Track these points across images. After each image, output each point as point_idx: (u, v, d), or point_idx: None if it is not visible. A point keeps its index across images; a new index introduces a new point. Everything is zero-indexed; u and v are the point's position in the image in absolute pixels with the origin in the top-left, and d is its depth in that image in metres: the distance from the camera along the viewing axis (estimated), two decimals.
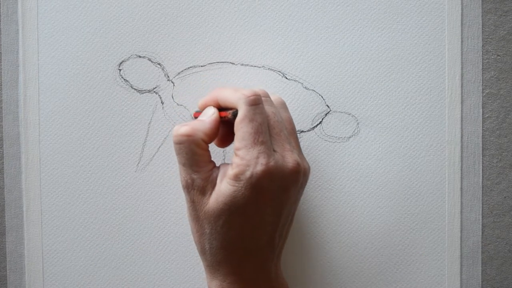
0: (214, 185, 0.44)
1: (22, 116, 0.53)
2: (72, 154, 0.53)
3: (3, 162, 0.53)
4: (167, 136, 0.52)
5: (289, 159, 0.44)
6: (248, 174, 0.42)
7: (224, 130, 0.47)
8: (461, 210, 0.53)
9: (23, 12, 0.52)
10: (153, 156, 0.53)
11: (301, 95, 0.53)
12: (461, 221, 0.53)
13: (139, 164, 0.53)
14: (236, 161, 0.42)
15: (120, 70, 0.52)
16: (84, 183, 0.53)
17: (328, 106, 0.53)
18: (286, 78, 0.53)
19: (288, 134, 0.45)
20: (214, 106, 0.46)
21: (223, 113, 0.45)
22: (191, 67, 0.52)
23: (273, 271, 0.45)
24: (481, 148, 0.53)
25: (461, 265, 0.53)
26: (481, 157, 0.53)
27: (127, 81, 0.52)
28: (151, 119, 0.53)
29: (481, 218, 0.53)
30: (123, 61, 0.52)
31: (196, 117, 0.48)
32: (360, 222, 0.53)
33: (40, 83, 0.52)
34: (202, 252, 0.45)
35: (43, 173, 0.53)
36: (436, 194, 0.53)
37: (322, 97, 0.53)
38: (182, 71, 0.52)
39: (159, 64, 0.52)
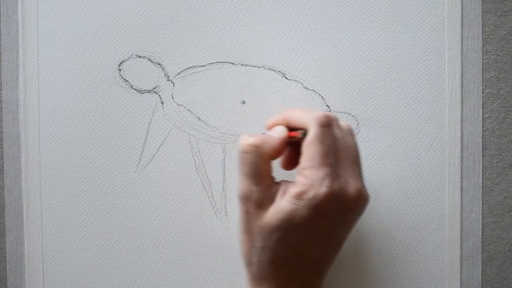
0: (272, 200, 0.43)
1: (22, 116, 0.53)
2: (72, 154, 0.53)
3: (3, 162, 0.53)
4: (167, 136, 0.52)
5: (352, 185, 0.43)
6: (311, 194, 0.42)
7: (291, 152, 0.47)
8: (461, 210, 0.53)
9: (23, 12, 0.52)
10: (153, 156, 0.53)
11: (301, 95, 0.53)
12: (461, 221, 0.53)
13: (139, 164, 0.53)
14: (301, 180, 0.42)
15: (120, 70, 0.52)
16: (84, 183, 0.53)
17: (328, 106, 0.53)
18: (286, 78, 0.53)
19: (353, 161, 0.45)
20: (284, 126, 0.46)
21: (293, 133, 0.45)
22: (191, 67, 0.52)
23: None
24: (481, 148, 0.53)
25: (461, 265, 0.53)
26: (481, 157, 0.53)
27: (127, 81, 0.52)
28: (151, 119, 0.53)
29: (481, 218, 0.53)
30: (123, 61, 0.52)
31: None
32: (360, 223, 0.53)
33: (40, 83, 0.52)
34: (249, 264, 0.45)
35: (43, 173, 0.53)
36: (436, 194, 0.53)
37: (322, 97, 0.53)
38: (182, 71, 0.52)
39: (159, 64, 0.52)
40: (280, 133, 0.45)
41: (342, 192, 0.43)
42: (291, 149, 0.47)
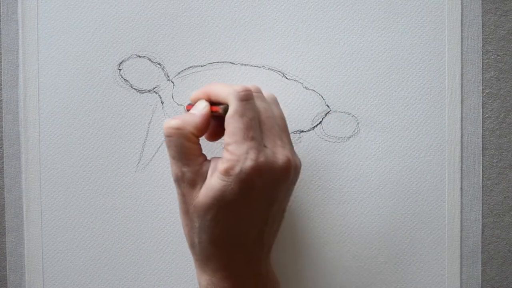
0: (204, 178, 0.43)
1: (22, 116, 0.53)
2: (72, 154, 0.53)
3: (3, 162, 0.53)
4: None
5: (280, 155, 0.43)
6: (237, 169, 0.42)
7: (215, 125, 0.47)
8: (461, 210, 0.53)
9: (23, 12, 0.52)
10: (153, 156, 0.53)
11: (301, 95, 0.53)
12: (461, 221, 0.53)
13: (139, 164, 0.53)
14: (226, 156, 0.42)
15: (120, 70, 0.52)
16: (84, 183, 0.53)
17: (328, 106, 0.53)
18: (286, 78, 0.53)
19: (279, 130, 0.45)
20: (206, 100, 0.46)
21: (214, 108, 0.45)
22: (191, 67, 0.52)
23: (263, 267, 0.45)
24: (481, 148, 0.53)
25: (461, 265, 0.53)
26: (481, 157, 0.53)
27: (127, 81, 0.52)
28: (151, 119, 0.53)
29: (481, 218, 0.53)
30: (123, 61, 0.52)
31: (188, 110, 0.48)
32: (360, 222, 0.53)
33: (40, 83, 0.52)
34: (192, 246, 0.45)
35: (43, 173, 0.53)
36: (436, 194, 0.53)
37: (322, 97, 0.53)
38: (182, 71, 0.52)
39: (159, 64, 0.52)
40: (202, 109, 0.45)
41: (269, 163, 0.43)
42: (216, 121, 0.46)
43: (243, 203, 0.43)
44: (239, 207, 0.43)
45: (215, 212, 0.43)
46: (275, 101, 0.47)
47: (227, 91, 0.44)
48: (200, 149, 0.45)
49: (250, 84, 0.45)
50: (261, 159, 0.42)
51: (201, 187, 0.43)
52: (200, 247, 0.44)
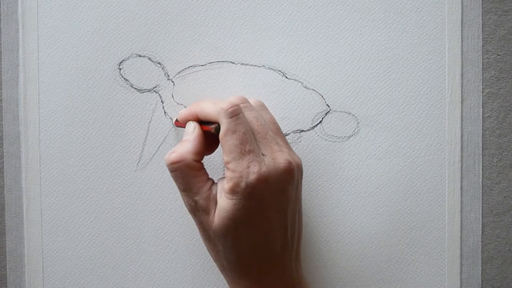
0: (216, 202, 0.44)
1: (22, 115, 0.53)
2: (72, 154, 0.53)
3: (3, 161, 0.53)
4: (167, 136, 0.53)
5: (280, 159, 0.44)
6: (243, 185, 0.42)
7: (208, 139, 0.47)
8: (461, 210, 0.53)
9: (23, 11, 0.52)
10: (153, 156, 0.53)
11: (301, 94, 0.53)
12: (461, 221, 0.53)
13: (139, 164, 0.53)
14: (229, 175, 0.43)
15: (120, 69, 0.52)
16: (84, 182, 0.53)
17: (328, 106, 0.53)
18: (286, 77, 0.53)
19: (273, 135, 0.45)
20: (194, 120, 0.46)
21: (205, 128, 0.46)
22: (191, 66, 0.52)
23: (294, 275, 0.45)
24: (481, 148, 0.53)
25: (461, 265, 0.53)
26: (481, 157, 0.53)
27: (127, 80, 0.52)
28: (151, 119, 0.53)
29: (481, 218, 0.53)
30: (123, 60, 0.52)
31: (176, 125, 0.49)
32: (360, 222, 0.53)
33: (40, 82, 0.52)
34: (222, 269, 0.45)
35: (43, 172, 0.53)
36: (436, 194, 0.53)
37: (322, 96, 0.53)
38: (182, 70, 0.52)
39: (159, 63, 0.52)
40: (192, 132, 0.45)
41: (272, 171, 0.43)
42: (208, 136, 0.47)
43: (258, 216, 0.43)
44: (255, 221, 0.43)
45: (234, 232, 0.43)
46: (263, 107, 0.47)
47: (215, 111, 0.44)
48: (206, 174, 0.45)
49: (236, 96, 0.45)
50: (263, 169, 0.42)
51: (215, 211, 0.44)
52: (229, 269, 0.44)
